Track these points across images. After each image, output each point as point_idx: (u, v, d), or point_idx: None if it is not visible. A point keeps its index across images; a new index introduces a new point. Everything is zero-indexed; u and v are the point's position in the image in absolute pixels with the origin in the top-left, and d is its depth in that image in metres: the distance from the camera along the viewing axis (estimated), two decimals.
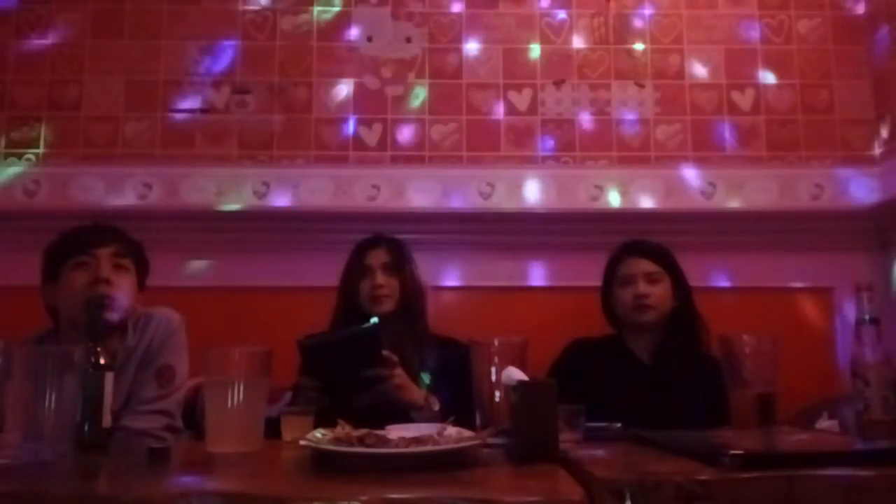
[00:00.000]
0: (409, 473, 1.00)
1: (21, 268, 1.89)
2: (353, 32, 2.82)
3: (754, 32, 2.83)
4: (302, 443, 1.15)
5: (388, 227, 2.23)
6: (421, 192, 2.69)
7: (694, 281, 2.16)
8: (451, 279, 2.63)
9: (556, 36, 2.83)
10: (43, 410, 1.13)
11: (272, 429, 1.38)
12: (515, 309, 2.57)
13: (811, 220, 2.67)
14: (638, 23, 2.84)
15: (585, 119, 2.77)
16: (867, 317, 1.38)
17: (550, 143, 2.75)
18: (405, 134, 2.75)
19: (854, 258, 2.62)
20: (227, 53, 2.79)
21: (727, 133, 2.77)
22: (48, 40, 2.78)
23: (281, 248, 2.62)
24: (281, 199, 2.68)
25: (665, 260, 2.11)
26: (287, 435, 1.42)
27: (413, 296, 2.02)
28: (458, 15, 2.84)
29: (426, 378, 1.90)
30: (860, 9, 2.85)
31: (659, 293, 2.06)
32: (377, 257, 2.02)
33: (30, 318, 1.73)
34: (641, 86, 2.80)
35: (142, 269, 1.78)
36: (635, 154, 2.75)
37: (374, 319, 1.77)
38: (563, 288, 2.60)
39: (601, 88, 2.79)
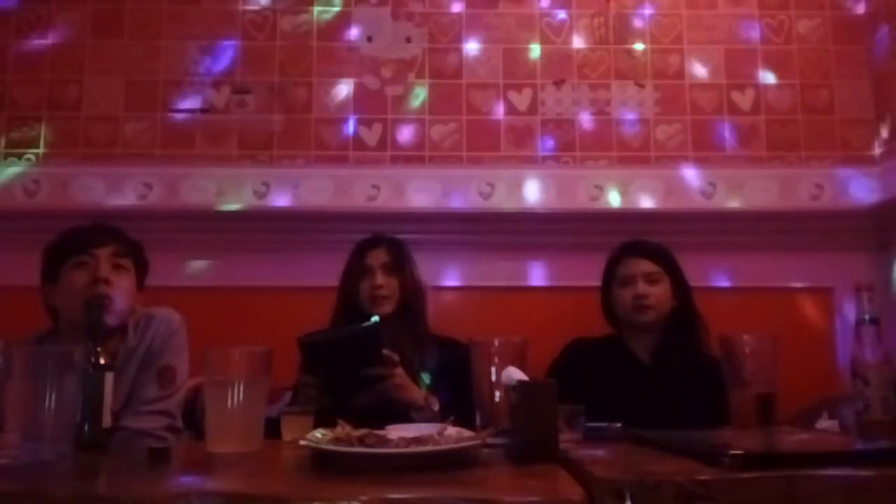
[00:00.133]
0: (409, 473, 1.00)
1: (21, 268, 1.89)
2: (353, 32, 2.82)
3: (754, 32, 2.83)
4: (302, 443, 1.15)
5: (388, 227, 2.23)
6: (421, 192, 2.69)
7: (694, 281, 2.16)
8: (451, 279, 2.63)
9: (556, 36, 2.83)
10: (43, 410, 1.13)
11: (272, 429, 1.38)
12: (515, 309, 2.57)
13: (811, 220, 2.67)
14: (638, 23, 2.84)
15: (585, 119, 2.77)
16: (867, 317, 1.38)
17: (550, 143, 2.75)
18: (405, 134, 2.75)
19: (854, 258, 2.62)
20: (227, 53, 2.79)
21: (727, 133, 2.77)
22: (48, 40, 2.78)
23: (281, 248, 2.62)
24: (281, 199, 2.68)
25: (664, 260, 2.11)
26: (287, 435, 1.42)
27: (413, 296, 2.02)
28: (458, 15, 2.84)
29: (426, 378, 1.90)
30: (860, 9, 2.85)
31: (658, 293, 2.06)
32: (377, 257, 2.01)
33: (30, 318, 1.73)
34: (641, 86, 2.80)
35: (141, 268, 1.78)
36: (635, 154, 2.75)
37: (375, 318, 1.77)
38: (563, 288, 2.60)
39: (601, 88, 2.79)
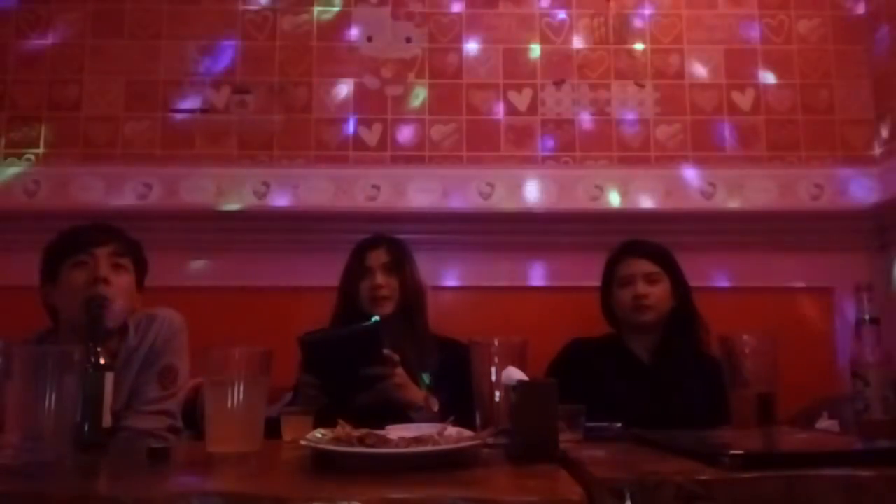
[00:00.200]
0: (409, 473, 1.00)
1: (21, 268, 1.89)
2: (353, 32, 2.82)
3: (754, 32, 2.83)
4: (302, 443, 1.15)
5: (388, 227, 2.24)
6: (421, 192, 2.69)
7: (694, 281, 2.16)
8: (451, 279, 2.63)
9: (556, 36, 2.83)
10: (43, 410, 1.13)
11: (272, 429, 1.38)
12: (515, 309, 2.57)
13: (811, 220, 2.67)
14: (638, 23, 2.84)
15: (585, 119, 2.77)
16: (867, 317, 1.38)
17: (550, 143, 2.75)
18: (405, 134, 2.75)
19: (854, 258, 2.62)
20: (227, 53, 2.79)
21: (727, 133, 2.77)
22: (48, 40, 2.78)
23: (281, 248, 2.62)
24: (281, 199, 2.68)
25: (664, 260, 2.11)
26: (287, 435, 1.42)
27: (413, 296, 2.01)
28: (458, 15, 2.84)
29: (426, 378, 1.90)
30: (860, 9, 2.85)
31: (658, 293, 2.06)
32: (377, 258, 2.01)
33: (30, 318, 1.73)
34: (641, 86, 2.80)
35: (140, 268, 1.78)
36: (635, 154, 2.75)
37: (376, 318, 1.77)
38: (563, 288, 2.60)
39: (601, 88, 2.80)
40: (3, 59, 2.76)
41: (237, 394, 1.23)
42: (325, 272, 2.14)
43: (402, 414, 1.70)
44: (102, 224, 1.77)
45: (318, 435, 1.17)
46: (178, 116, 2.75)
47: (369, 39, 2.81)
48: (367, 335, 1.68)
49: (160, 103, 2.75)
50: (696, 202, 2.70)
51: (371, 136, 2.74)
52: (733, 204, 2.70)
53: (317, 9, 2.83)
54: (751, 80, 2.80)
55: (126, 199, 2.66)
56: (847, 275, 2.52)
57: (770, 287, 2.64)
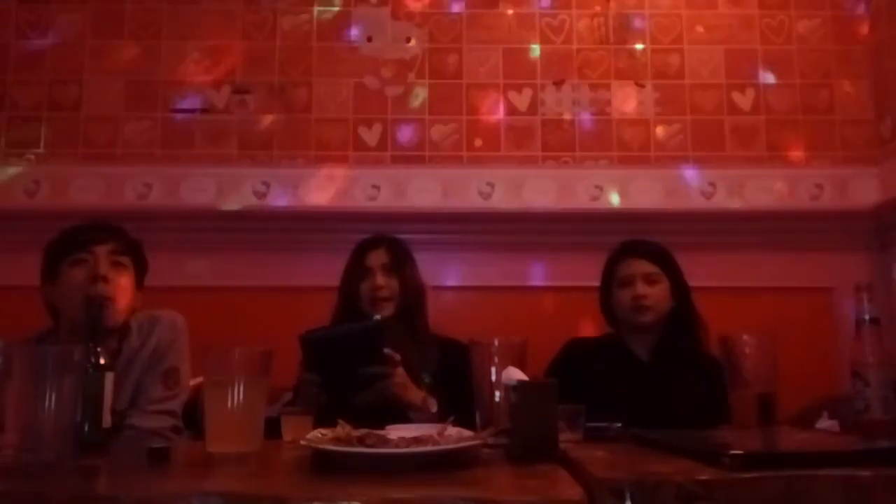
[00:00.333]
0: (409, 473, 1.00)
1: (21, 268, 1.89)
2: (353, 32, 2.82)
3: (754, 32, 2.83)
4: (302, 443, 1.15)
5: (388, 227, 2.23)
6: (421, 192, 2.69)
7: (694, 281, 2.15)
8: (451, 279, 2.63)
9: (556, 36, 2.83)
10: (43, 410, 1.13)
11: (272, 429, 1.38)
12: (515, 309, 2.57)
13: (811, 220, 2.67)
14: (638, 23, 2.84)
15: (585, 119, 2.77)
16: (867, 317, 1.38)
17: (550, 143, 2.75)
18: (405, 134, 2.75)
19: (854, 258, 2.62)
20: (226, 53, 2.79)
21: (727, 133, 2.77)
22: (48, 40, 2.78)
23: (281, 248, 2.62)
24: (281, 199, 2.68)
25: (663, 260, 2.11)
26: (287, 435, 1.42)
27: (413, 296, 2.01)
28: (458, 15, 2.84)
29: (427, 378, 1.90)
30: (860, 9, 2.85)
31: (657, 294, 2.06)
32: (377, 258, 2.01)
33: (30, 318, 1.73)
34: (641, 86, 2.80)
35: (140, 267, 1.77)
36: (635, 154, 2.75)
37: (377, 316, 1.76)
38: (563, 288, 2.60)
39: (601, 88, 2.80)
40: (3, 59, 2.76)
41: (237, 394, 1.23)
42: (325, 272, 2.14)
43: (402, 414, 1.69)
44: (102, 222, 1.77)
45: (319, 435, 1.17)
46: (178, 116, 2.75)
47: (369, 39, 2.81)
48: (369, 333, 1.69)
49: (160, 103, 2.75)
50: (696, 202, 2.70)
51: (371, 136, 2.74)
52: (733, 204, 2.70)
53: (317, 9, 2.84)
54: (751, 80, 2.80)
55: (126, 199, 2.66)
56: (847, 275, 2.52)
57: (770, 287, 2.64)
